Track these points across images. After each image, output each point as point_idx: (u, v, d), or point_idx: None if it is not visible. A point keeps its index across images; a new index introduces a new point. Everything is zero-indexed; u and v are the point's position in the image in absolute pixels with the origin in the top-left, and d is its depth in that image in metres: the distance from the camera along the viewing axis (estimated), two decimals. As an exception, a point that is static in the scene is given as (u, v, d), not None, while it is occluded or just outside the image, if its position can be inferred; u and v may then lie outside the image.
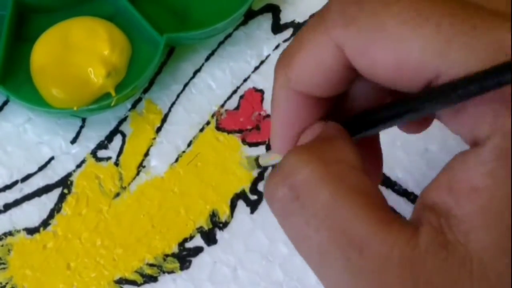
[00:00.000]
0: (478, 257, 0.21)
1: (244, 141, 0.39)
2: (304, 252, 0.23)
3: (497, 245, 0.21)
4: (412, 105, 0.23)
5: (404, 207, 0.38)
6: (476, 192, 0.21)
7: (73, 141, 0.39)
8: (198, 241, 0.38)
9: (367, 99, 0.26)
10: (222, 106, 0.40)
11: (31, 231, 0.37)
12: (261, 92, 0.40)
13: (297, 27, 0.42)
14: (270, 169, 0.38)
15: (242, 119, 0.40)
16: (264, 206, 0.38)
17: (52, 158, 0.39)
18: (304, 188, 0.23)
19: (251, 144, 0.39)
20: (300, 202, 0.23)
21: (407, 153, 0.39)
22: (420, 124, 0.30)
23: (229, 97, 0.40)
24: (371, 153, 0.29)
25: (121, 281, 0.37)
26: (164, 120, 0.40)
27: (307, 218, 0.22)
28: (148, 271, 0.37)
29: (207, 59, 0.41)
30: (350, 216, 0.22)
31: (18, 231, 0.37)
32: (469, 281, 0.21)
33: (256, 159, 0.33)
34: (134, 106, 0.40)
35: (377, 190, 0.23)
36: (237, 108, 0.40)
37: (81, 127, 0.39)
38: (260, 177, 0.39)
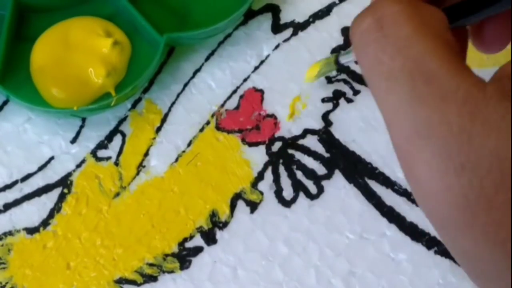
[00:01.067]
0: None
1: (244, 141, 0.39)
2: (373, 78, 0.24)
3: None
4: None
5: (404, 207, 0.38)
6: None
7: (73, 141, 0.39)
8: (198, 241, 0.38)
9: None
10: (222, 106, 0.40)
11: (31, 230, 0.37)
12: (261, 92, 0.40)
13: (297, 27, 0.42)
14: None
15: (242, 119, 0.40)
16: (264, 206, 0.38)
17: (52, 158, 0.39)
18: (390, 21, 0.24)
19: (251, 144, 0.39)
20: (383, 32, 0.24)
21: (407, 153, 0.39)
22: (500, 36, 0.30)
23: (229, 97, 0.40)
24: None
25: (121, 280, 0.37)
26: (164, 120, 0.40)
27: (385, 47, 0.24)
28: (148, 270, 0.37)
29: (207, 59, 0.41)
30: (426, 51, 0.23)
31: (18, 231, 0.37)
32: None
33: (336, 57, 0.35)
34: (134, 106, 0.40)
35: (457, 44, 0.25)
36: (237, 108, 0.40)
37: (81, 127, 0.39)
38: (260, 177, 0.39)
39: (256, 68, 0.41)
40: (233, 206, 0.38)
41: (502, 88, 0.23)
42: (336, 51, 0.41)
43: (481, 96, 0.22)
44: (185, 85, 0.40)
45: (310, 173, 0.39)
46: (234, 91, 0.40)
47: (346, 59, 0.36)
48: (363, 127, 0.40)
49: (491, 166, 0.22)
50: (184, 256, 0.37)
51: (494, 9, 0.26)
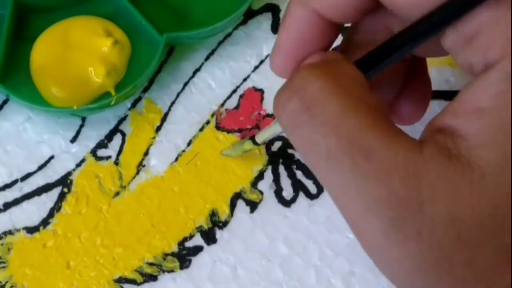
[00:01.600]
0: (479, 170, 0.22)
1: (244, 141, 0.39)
2: (312, 160, 0.24)
3: (499, 161, 0.22)
4: (415, 31, 0.24)
5: (404, 207, 0.39)
6: (482, 112, 0.22)
7: (73, 140, 0.39)
8: (197, 240, 0.38)
9: (373, 36, 0.28)
10: (222, 105, 0.40)
11: (31, 230, 0.37)
12: (261, 91, 0.40)
13: (297, 26, 0.42)
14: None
15: (242, 119, 0.40)
16: (264, 206, 0.38)
17: (52, 157, 0.39)
18: (314, 99, 0.24)
19: (251, 144, 0.39)
20: (310, 113, 0.24)
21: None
22: (416, 110, 0.31)
23: (229, 97, 0.40)
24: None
25: (121, 280, 0.37)
26: (164, 119, 0.40)
27: (316, 127, 0.23)
28: (148, 270, 0.37)
29: (207, 58, 0.41)
30: (357, 125, 0.23)
31: (18, 230, 0.37)
32: (469, 189, 0.22)
33: (252, 138, 0.35)
34: (134, 105, 0.40)
35: (385, 107, 0.24)
36: (237, 107, 0.40)
37: (81, 126, 0.39)
38: (260, 177, 0.39)
39: (256, 67, 0.41)
40: (233, 206, 0.38)
41: (438, 146, 0.23)
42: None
43: (420, 160, 0.22)
44: (185, 84, 0.40)
45: (310, 173, 0.39)
46: (234, 91, 0.40)
47: (262, 138, 0.35)
48: (363, 127, 0.40)
49: (446, 228, 0.22)
50: (184, 256, 0.37)
51: (401, 54, 0.26)
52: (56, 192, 0.38)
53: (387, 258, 0.23)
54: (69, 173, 0.38)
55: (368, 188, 0.22)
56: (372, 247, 0.23)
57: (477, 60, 0.23)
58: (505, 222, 0.21)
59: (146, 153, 0.39)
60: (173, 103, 0.40)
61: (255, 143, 0.36)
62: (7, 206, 0.38)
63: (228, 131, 0.40)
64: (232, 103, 0.40)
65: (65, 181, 0.38)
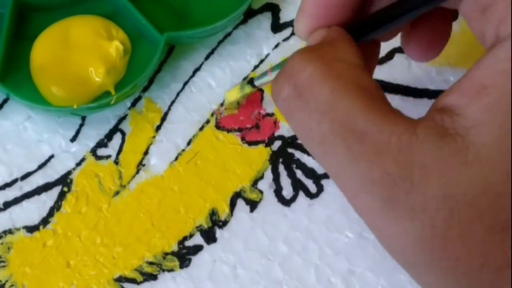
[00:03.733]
0: (475, 149, 0.22)
1: (243, 140, 0.39)
2: (308, 144, 0.25)
3: (496, 140, 0.22)
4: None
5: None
6: (485, 90, 0.22)
7: (73, 139, 0.39)
8: (197, 239, 0.38)
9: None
10: (222, 104, 0.40)
11: (30, 229, 0.37)
12: (261, 91, 0.40)
13: (296, 26, 0.42)
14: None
15: (241, 118, 0.40)
16: (263, 205, 0.38)
17: (52, 156, 0.39)
18: (306, 85, 0.24)
19: (251, 143, 0.39)
20: (303, 98, 0.24)
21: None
22: (431, 48, 0.31)
23: (229, 96, 0.40)
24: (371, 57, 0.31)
25: (120, 279, 0.37)
26: (163, 118, 0.40)
27: (310, 113, 0.24)
28: (148, 269, 0.37)
29: (207, 58, 0.41)
30: (349, 108, 0.23)
31: (18, 229, 0.37)
32: (463, 168, 0.22)
33: (250, 81, 0.35)
34: (133, 104, 0.40)
35: (377, 86, 0.25)
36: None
37: (81, 125, 0.39)
38: (259, 176, 0.39)
39: (256, 67, 0.41)
40: (233, 205, 0.38)
41: (433, 125, 0.23)
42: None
43: (414, 140, 0.23)
44: (185, 84, 0.40)
45: (309, 172, 0.39)
46: (234, 90, 0.40)
47: (261, 81, 0.35)
48: (363, 126, 0.40)
49: (438, 205, 0.22)
50: (184, 255, 0.37)
51: (397, 22, 0.27)
52: (56, 191, 0.38)
53: (384, 235, 0.24)
54: (69, 172, 0.38)
55: (361, 169, 0.23)
56: (370, 224, 0.24)
57: (490, 31, 0.23)
58: (499, 200, 0.22)
59: (146, 152, 0.39)
60: (173, 102, 0.40)
61: (253, 86, 0.35)
62: (7, 205, 0.38)
63: (228, 131, 0.40)
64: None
65: (65, 180, 0.38)
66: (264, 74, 0.33)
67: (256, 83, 0.35)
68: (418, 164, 0.22)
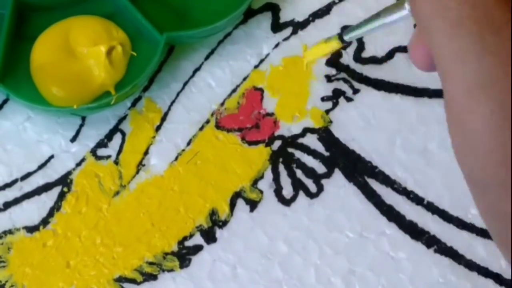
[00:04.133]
0: None
1: (243, 140, 0.39)
2: (435, 24, 0.24)
3: None
4: None
5: (404, 206, 0.39)
6: None
7: (73, 139, 0.39)
8: (197, 239, 0.38)
9: None
10: (222, 104, 0.40)
11: (31, 229, 0.37)
12: (261, 90, 0.40)
13: (296, 26, 0.42)
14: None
15: (241, 118, 0.40)
16: (263, 205, 0.38)
17: (52, 157, 0.39)
18: None
19: (251, 143, 0.39)
20: None
21: (407, 152, 0.40)
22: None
23: (229, 96, 0.40)
24: None
25: (120, 279, 0.37)
26: (163, 118, 0.40)
27: None
28: (148, 269, 0.37)
29: (207, 57, 0.41)
30: (495, 1, 0.23)
31: (18, 230, 0.37)
32: None
33: (340, 35, 0.33)
34: (134, 104, 0.40)
35: None
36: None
37: (81, 125, 0.39)
38: (259, 176, 0.39)
39: (256, 67, 0.41)
40: (232, 205, 0.38)
41: None
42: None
43: None
44: (185, 83, 0.40)
45: (309, 172, 0.39)
46: (234, 90, 0.40)
47: (350, 34, 0.33)
48: (363, 126, 0.40)
49: None
50: (184, 255, 0.37)
51: None
52: (56, 191, 0.38)
53: (476, 145, 0.23)
54: (69, 173, 0.38)
55: (487, 62, 0.22)
56: (464, 131, 0.23)
57: None
58: None
59: (146, 152, 0.39)
60: (173, 102, 0.40)
61: (343, 40, 0.33)
62: (7, 205, 0.38)
63: (228, 130, 0.40)
64: (232, 102, 0.40)
65: (65, 181, 0.38)
66: (355, 27, 0.31)
67: (346, 37, 0.33)
68: None
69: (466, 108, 0.23)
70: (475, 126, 0.22)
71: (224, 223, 0.38)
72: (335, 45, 0.34)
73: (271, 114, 0.40)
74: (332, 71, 0.41)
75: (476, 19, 0.23)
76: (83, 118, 0.39)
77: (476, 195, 0.24)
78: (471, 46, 0.23)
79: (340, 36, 0.33)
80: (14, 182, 0.38)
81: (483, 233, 0.38)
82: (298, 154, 0.39)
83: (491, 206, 0.23)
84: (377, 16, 0.30)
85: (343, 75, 0.41)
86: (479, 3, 0.23)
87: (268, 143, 0.39)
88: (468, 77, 0.23)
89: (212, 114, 0.40)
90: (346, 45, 0.34)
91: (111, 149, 0.39)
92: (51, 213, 0.38)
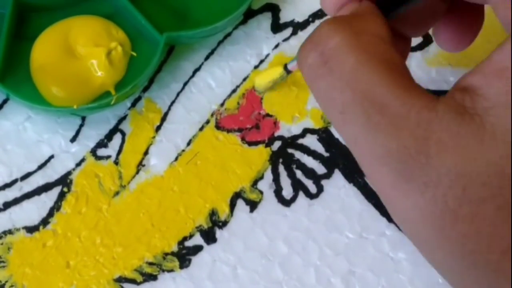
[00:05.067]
0: (491, 129, 0.22)
1: (243, 140, 0.39)
2: (329, 112, 0.25)
3: None
4: None
5: (403, 206, 0.39)
6: (505, 72, 0.22)
7: (73, 139, 0.39)
8: (197, 239, 0.38)
9: None
10: (222, 105, 0.40)
11: (30, 229, 0.37)
12: (261, 91, 0.40)
13: (296, 26, 0.42)
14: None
15: (241, 118, 0.40)
16: (263, 205, 0.38)
17: (51, 157, 0.39)
18: (333, 54, 0.25)
19: (251, 143, 0.39)
20: (328, 66, 0.25)
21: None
22: (463, 38, 0.31)
23: (229, 96, 0.40)
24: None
25: (120, 279, 0.37)
26: (163, 119, 0.40)
27: (333, 81, 0.24)
28: (148, 269, 0.37)
29: (207, 58, 0.41)
30: (373, 80, 0.24)
31: (18, 230, 0.37)
32: (479, 147, 0.22)
33: (285, 66, 0.36)
34: (133, 104, 0.40)
35: (402, 62, 0.25)
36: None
37: (81, 125, 0.39)
38: (259, 176, 0.39)
39: (256, 67, 0.41)
40: (232, 205, 0.38)
41: (454, 103, 0.23)
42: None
43: (433, 116, 0.23)
44: (185, 84, 0.40)
45: (309, 172, 0.39)
46: (234, 90, 0.40)
47: (293, 64, 0.36)
48: (363, 127, 0.40)
49: (451, 182, 0.22)
50: (184, 255, 0.37)
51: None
52: (56, 191, 0.38)
53: (396, 208, 0.24)
54: (69, 173, 0.38)
55: (379, 140, 0.23)
56: (383, 196, 0.24)
57: None
58: (511, 182, 0.22)
59: (146, 153, 0.39)
60: (173, 102, 0.40)
61: (287, 71, 0.36)
62: (7, 205, 0.38)
63: (228, 131, 0.40)
64: (232, 102, 0.40)
65: (65, 181, 0.38)
66: (296, 57, 0.34)
67: (289, 66, 0.36)
68: (435, 139, 0.23)
69: (376, 179, 0.24)
70: (388, 193, 0.24)
71: (224, 223, 0.38)
72: (279, 74, 0.37)
73: (271, 115, 0.40)
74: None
75: (360, 103, 0.24)
76: (83, 118, 0.39)
77: (416, 247, 0.25)
78: (361, 128, 0.24)
79: (284, 66, 0.36)
80: (14, 182, 0.38)
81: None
82: (298, 154, 0.39)
83: (428, 257, 0.25)
84: None
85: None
86: (359, 88, 0.24)
87: (268, 144, 0.39)
88: (367, 155, 0.24)
89: (212, 115, 0.40)
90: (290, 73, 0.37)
91: (111, 149, 0.39)
92: (51, 213, 0.38)
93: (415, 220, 0.23)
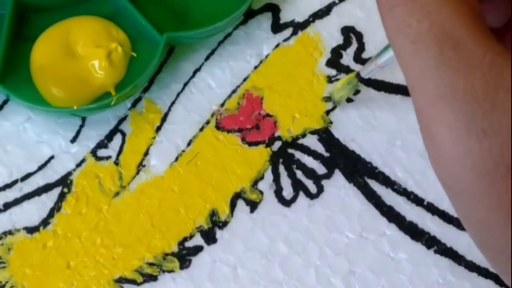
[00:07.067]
0: None
1: (244, 140, 0.39)
2: (399, 41, 0.24)
3: None
4: None
5: (404, 207, 0.39)
6: None
7: (73, 140, 0.39)
8: (198, 240, 0.38)
9: None
10: (222, 105, 0.40)
11: (31, 230, 0.37)
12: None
13: (296, 26, 0.42)
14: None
15: (241, 119, 0.40)
16: (264, 206, 0.38)
17: (52, 157, 0.39)
18: None
19: (251, 143, 0.39)
20: None
21: (407, 153, 0.40)
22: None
23: (229, 96, 0.40)
24: None
25: (120, 280, 0.37)
26: (164, 119, 0.40)
27: (413, 10, 0.24)
28: (148, 270, 0.37)
29: (207, 58, 0.41)
30: (454, 16, 0.23)
31: (18, 230, 0.37)
32: None
33: (357, 74, 0.37)
34: (134, 105, 0.40)
35: (481, 8, 0.25)
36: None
37: (81, 126, 0.39)
38: (259, 176, 0.39)
39: (256, 67, 0.41)
40: (233, 206, 0.38)
41: None
42: (336, 50, 0.41)
43: (505, 65, 0.22)
44: (185, 84, 0.40)
45: (310, 173, 0.39)
46: (234, 91, 0.40)
47: (367, 71, 0.37)
48: (363, 127, 0.40)
49: (510, 134, 0.22)
50: (184, 256, 0.37)
51: None
52: (56, 192, 0.38)
53: (444, 153, 0.23)
54: (69, 173, 0.38)
55: (447, 76, 0.23)
56: (432, 140, 0.24)
57: None
58: None
59: (146, 153, 0.39)
60: (173, 103, 0.40)
61: (361, 78, 0.37)
62: (7, 206, 0.38)
63: (228, 131, 0.40)
64: (232, 103, 0.40)
65: (65, 181, 0.38)
66: (370, 63, 0.35)
67: (363, 74, 0.37)
68: (504, 87, 0.22)
69: (432, 119, 0.23)
70: (441, 135, 0.23)
71: (224, 223, 0.38)
72: (354, 82, 0.38)
73: (271, 115, 0.40)
74: (332, 72, 0.41)
75: (435, 35, 0.23)
76: (83, 119, 0.39)
77: (454, 204, 0.24)
78: (431, 61, 0.23)
79: (358, 75, 0.38)
80: (14, 182, 0.38)
81: (483, 234, 0.38)
82: (298, 155, 0.39)
83: (467, 214, 0.24)
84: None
85: (343, 75, 0.41)
86: (438, 20, 0.23)
87: (268, 144, 0.39)
88: (430, 91, 0.23)
89: (212, 115, 0.40)
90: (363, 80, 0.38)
91: (111, 149, 0.39)
92: (51, 214, 0.38)
93: (463, 168, 0.22)
